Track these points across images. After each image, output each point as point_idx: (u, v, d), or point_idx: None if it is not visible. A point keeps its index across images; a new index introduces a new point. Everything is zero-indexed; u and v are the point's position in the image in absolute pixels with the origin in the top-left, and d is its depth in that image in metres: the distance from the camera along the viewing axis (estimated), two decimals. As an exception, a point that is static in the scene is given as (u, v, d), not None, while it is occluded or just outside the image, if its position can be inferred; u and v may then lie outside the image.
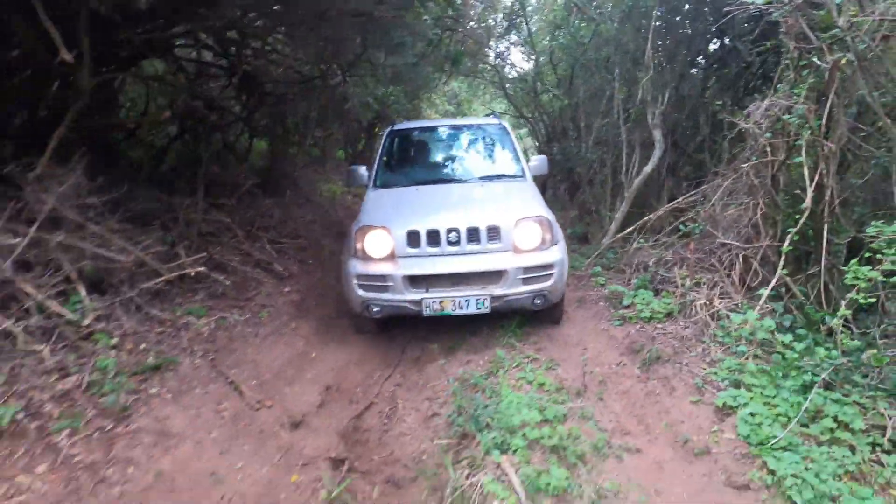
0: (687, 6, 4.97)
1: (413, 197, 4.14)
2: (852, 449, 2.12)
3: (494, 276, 3.45)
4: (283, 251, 5.12)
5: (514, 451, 2.22)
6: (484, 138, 5.16)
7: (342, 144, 11.64)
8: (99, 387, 2.46)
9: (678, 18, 5.37)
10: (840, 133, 3.28)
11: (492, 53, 8.40)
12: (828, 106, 3.21)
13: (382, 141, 5.00)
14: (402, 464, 2.44)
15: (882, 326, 2.73)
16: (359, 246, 3.56)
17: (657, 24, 5.53)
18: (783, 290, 3.44)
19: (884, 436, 2.15)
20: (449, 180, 4.55)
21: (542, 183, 6.63)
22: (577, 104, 7.60)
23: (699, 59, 5.95)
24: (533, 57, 7.53)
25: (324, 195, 7.98)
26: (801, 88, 3.34)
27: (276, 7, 4.57)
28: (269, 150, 6.95)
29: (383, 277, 3.46)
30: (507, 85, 8.98)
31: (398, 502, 2.19)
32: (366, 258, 3.53)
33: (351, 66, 6.34)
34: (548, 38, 7.07)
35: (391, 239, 3.50)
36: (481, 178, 4.48)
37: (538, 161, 4.62)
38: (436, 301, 3.42)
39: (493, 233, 3.52)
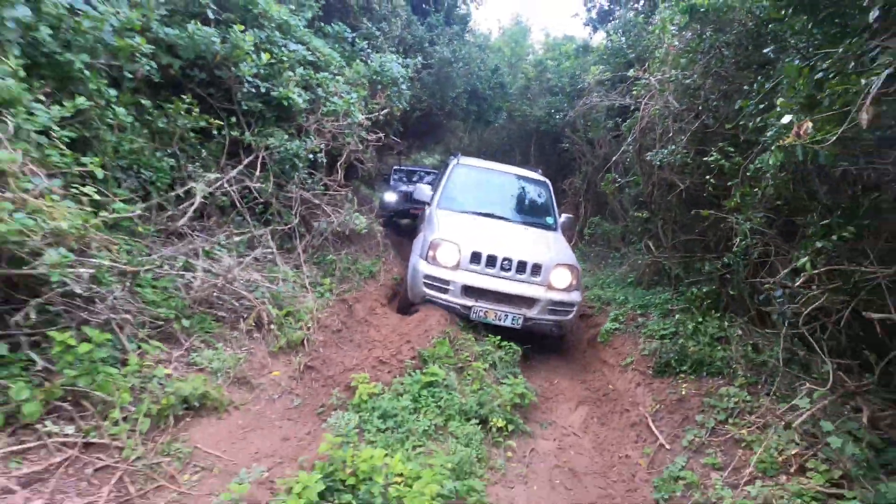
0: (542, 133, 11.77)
1: (475, 224, 4.60)
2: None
3: (530, 301, 4.03)
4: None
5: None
6: (530, 189, 5.64)
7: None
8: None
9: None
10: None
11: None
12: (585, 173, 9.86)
13: (448, 170, 5.43)
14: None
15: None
16: (432, 253, 4.06)
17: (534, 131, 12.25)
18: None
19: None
20: (501, 217, 4.96)
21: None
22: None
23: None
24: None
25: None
26: (581, 174, 9.91)
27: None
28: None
29: (446, 282, 3.99)
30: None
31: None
32: (435, 263, 4.06)
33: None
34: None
35: (459, 253, 4.02)
36: (525, 223, 4.97)
37: (566, 219, 5.26)
38: (482, 310, 3.96)
39: (536, 269, 4.08)
